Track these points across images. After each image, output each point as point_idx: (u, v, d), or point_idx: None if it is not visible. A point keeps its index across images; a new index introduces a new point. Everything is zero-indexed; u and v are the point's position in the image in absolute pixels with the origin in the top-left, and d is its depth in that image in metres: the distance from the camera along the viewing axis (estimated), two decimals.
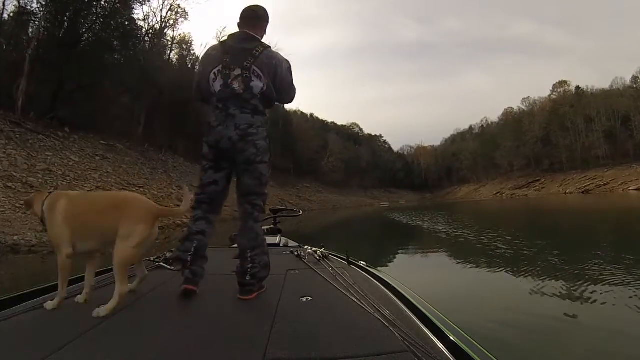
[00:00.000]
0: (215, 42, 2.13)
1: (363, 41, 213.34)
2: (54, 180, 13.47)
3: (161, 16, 31.45)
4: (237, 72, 1.83)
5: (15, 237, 8.70)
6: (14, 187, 11.41)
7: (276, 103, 2.09)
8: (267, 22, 2.06)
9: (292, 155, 52.20)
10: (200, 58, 2.07)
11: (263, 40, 1.99)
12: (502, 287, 4.82)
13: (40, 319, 1.44)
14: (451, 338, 1.15)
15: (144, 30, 29.31)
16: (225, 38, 1.99)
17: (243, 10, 2.00)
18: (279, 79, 1.91)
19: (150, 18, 30.52)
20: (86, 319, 1.38)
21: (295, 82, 2.04)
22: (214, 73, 1.86)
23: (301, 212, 4.67)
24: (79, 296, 1.66)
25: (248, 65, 1.84)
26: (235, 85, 1.83)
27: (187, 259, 1.77)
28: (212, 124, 1.85)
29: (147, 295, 1.73)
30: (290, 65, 1.98)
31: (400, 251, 8.70)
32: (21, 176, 12.31)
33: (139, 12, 39.59)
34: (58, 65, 19.43)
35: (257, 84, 1.84)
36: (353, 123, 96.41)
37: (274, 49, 1.98)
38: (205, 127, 1.92)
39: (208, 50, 2.02)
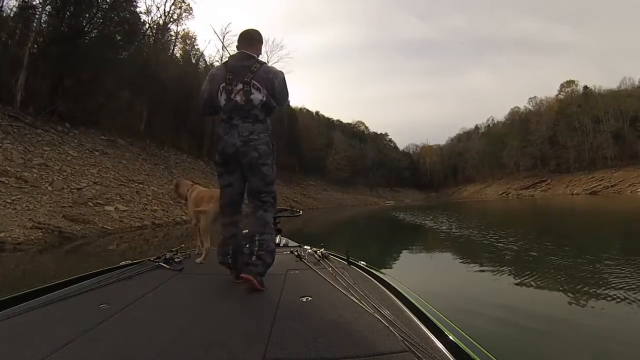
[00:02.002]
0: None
1: (367, 39, 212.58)
2: (49, 175, 13.09)
3: (164, 10, 31.18)
4: (239, 86, 2.07)
5: (2, 234, 8.37)
6: (6, 181, 11.07)
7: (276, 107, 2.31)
8: (261, 43, 2.33)
9: (297, 153, 51.91)
10: (207, 77, 2.27)
11: (259, 58, 2.25)
12: (504, 288, 4.73)
13: (40, 318, 1.43)
14: (451, 338, 1.14)
15: (147, 25, 29.09)
16: (227, 59, 2.25)
17: (241, 33, 2.26)
18: (277, 89, 2.14)
19: (154, 12, 30.29)
20: (86, 319, 1.38)
21: (289, 86, 2.27)
22: (220, 90, 2.11)
23: (301, 212, 4.55)
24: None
25: (248, 80, 2.07)
26: (238, 98, 2.07)
27: (229, 262, 2.08)
28: (220, 134, 2.12)
29: (147, 295, 1.73)
30: (284, 75, 2.21)
31: (404, 250, 8.68)
32: (16, 171, 11.95)
33: (141, 5, 39.15)
34: (59, 60, 19.10)
35: (257, 96, 2.07)
36: (358, 121, 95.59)
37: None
38: (215, 136, 2.12)
39: (212, 70, 2.30)
